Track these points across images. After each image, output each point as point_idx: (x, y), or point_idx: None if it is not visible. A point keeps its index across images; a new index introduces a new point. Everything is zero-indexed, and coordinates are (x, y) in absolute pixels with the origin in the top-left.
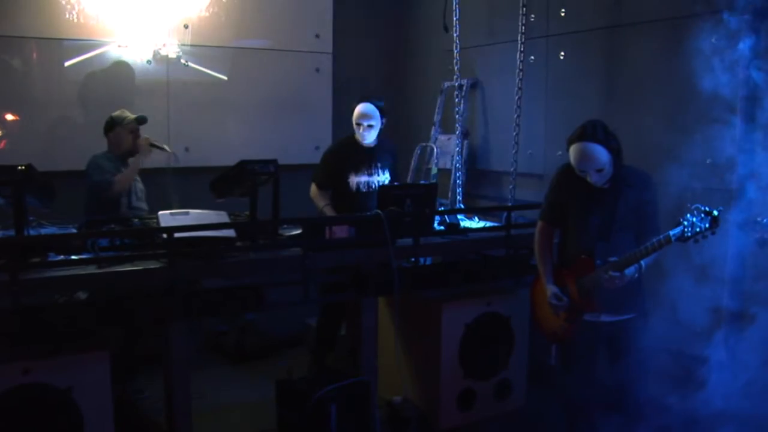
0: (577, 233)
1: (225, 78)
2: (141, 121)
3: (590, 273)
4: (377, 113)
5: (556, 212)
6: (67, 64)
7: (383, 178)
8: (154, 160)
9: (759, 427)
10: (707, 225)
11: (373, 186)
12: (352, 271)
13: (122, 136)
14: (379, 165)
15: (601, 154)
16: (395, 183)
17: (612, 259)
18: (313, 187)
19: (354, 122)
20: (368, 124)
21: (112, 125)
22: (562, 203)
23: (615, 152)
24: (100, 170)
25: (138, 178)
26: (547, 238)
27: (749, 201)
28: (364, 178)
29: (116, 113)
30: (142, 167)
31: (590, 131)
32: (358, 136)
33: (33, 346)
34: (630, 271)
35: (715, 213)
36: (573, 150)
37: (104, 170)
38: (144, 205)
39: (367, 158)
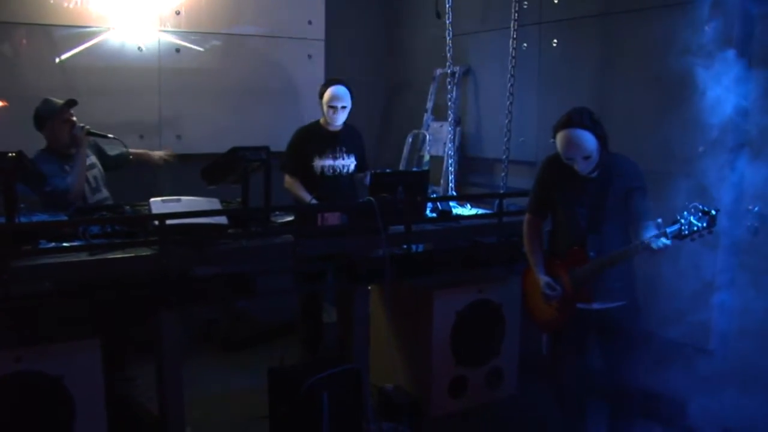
0: (567, 224)
1: (217, 65)
2: (70, 104)
3: (583, 264)
4: (348, 95)
5: (543, 204)
6: (58, 60)
7: (348, 162)
8: (135, 147)
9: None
10: (705, 224)
11: (338, 170)
12: (344, 259)
13: (57, 128)
14: (343, 149)
15: (588, 140)
16: (385, 170)
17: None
18: (287, 178)
19: (326, 105)
20: (342, 105)
21: (43, 119)
22: (549, 195)
23: (602, 139)
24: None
25: (95, 162)
26: (536, 229)
27: (741, 190)
28: (328, 162)
29: (41, 105)
30: None
31: (577, 118)
32: (328, 119)
33: (24, 334)
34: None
35: (713, 212)
36: (560, 137)
37: (49, 176)
38: (104, 193)
39: (331, 142)
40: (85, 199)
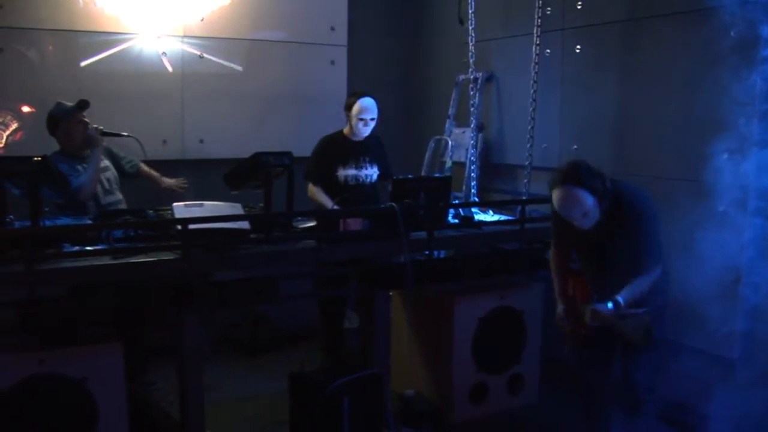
0: (582, 262)
1: (240, 70)
2: (83, 105)
3: (588, 301)
4: (377, 108)
5: (561, 238)
6: (83, 64)
7: (371, 172)
8: (158, 152)
9: None
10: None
11: (361, 179)
12: (366, 264)
13: (71, 129)
14: (367, 159)
15: (584, 198)
16: (407, 176)
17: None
18: (311, 187)
19: (354, 117)
20: (371, 117)
21: (56, 121)
22: (563, 230)
23: (600, 194)
24: None
25: (109, 165)
26: (561, 258)
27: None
28: (352, 172)
29: (54, 108)
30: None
31: (572, 175)
32: (356, 131)
33: (48, 337)
34: (606, 308)
35: None
36: (555, 195)
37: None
38: (117, 196)
39: (355, 152)
40: (97, 200)
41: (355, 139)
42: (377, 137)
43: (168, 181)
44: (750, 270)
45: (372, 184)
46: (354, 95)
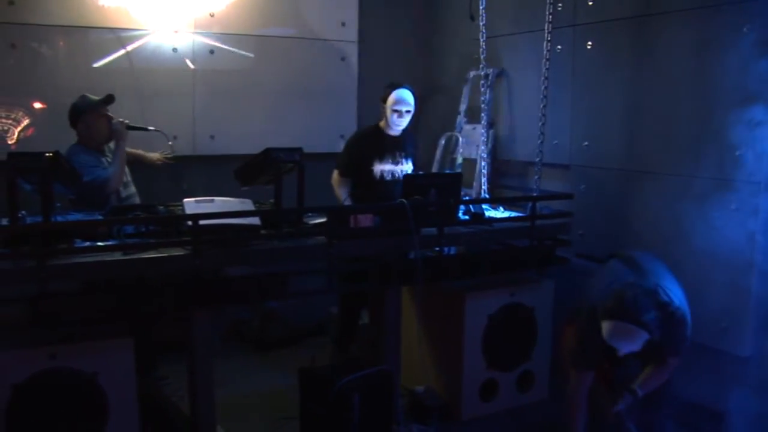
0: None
1: (250, 66)
2: (108, 100)
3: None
4: (413, 99)
5: (592, 363)
6: (96, 65)
7: (407, 167)
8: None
9: None
10: None
11: (397, 175)
12: (376, 261)
13: (93, 122)
14: (403, 154)
15: (639, 338)
16: (418, 172)
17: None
18: (336, 174)
19: (389, 108)
20: (407, 109)
21: (78, 114)
22: (596, 357)
23: (653, 329)
24: (83, 168)
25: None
26: (585, 387)
27: None
28: (388, 167)
29: (78, 100)
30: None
31: (633, 310)
32: (390, 123)
33: (59, 332)
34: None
35: None
36: (608, 326)
37: (88, 166)
38: (131, 190)
39: (391, 147)
40: (119, 193)
41: (391, 132)
42: (412, 133)
43: (151, 156)
44: (763, 266)
45: None
46: (390, 86)
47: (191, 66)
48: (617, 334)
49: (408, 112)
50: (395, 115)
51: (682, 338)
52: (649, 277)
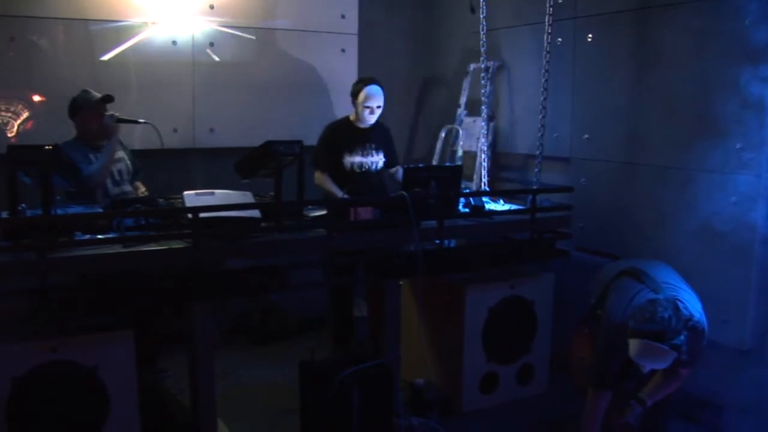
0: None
1: (250, 59)
2: (107, 99)
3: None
4: (383, 95)
5: (612, 378)
6: (102, 58)
7: (377, 159)
8: (169, 140)
9: None
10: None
11: (366, 166)
12: (376, 253)
13: (90, 120)
14: (373, 146)
15: (668, 359)
16: (418, 165)
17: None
18: (318, 174)
19: (360, 105)
20: (377, 105)
21: (77, 108)
22: (614, 370)
23: (683, 354)
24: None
25: (125, 157)
26: (604, 403)
27: None
28: (358, 159)
29: (79, 95)
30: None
31: (672, 335)
32: (361, 118)
33: (60, 325)
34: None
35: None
36: (638, 346)
37: (75, 161)
38: (125, 188)
39: (361, 139)
40: (106, 190)
41: (361, 125)
42: (383, 125)
43: (111, 124)
44: (763, 259)
45: (378, 172)
46: (360, 82)
47: (191, 59)
48: (647, 353)
49: (379, 107)
50: (366, 111)
51: (699, 350)
52: (666, 291)
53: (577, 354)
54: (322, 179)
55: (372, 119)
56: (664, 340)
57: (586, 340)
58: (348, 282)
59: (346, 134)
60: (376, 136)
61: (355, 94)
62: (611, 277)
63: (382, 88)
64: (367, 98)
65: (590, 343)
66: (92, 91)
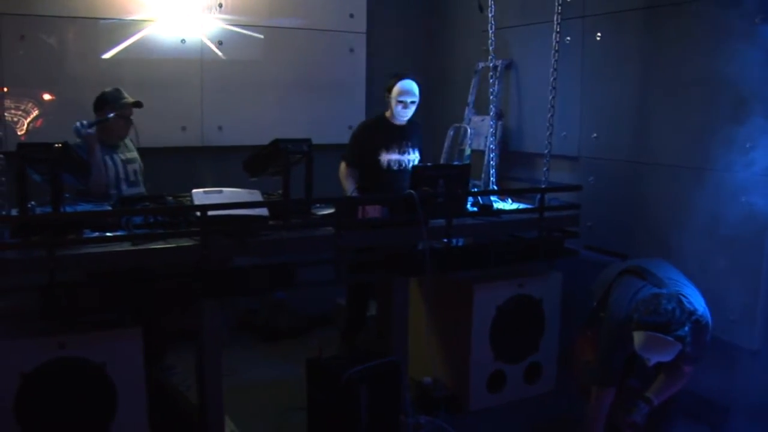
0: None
1: (259, 57)
2: (137, 105)
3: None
4: (417, 90)
5: (618, 375)
6: (105, 56)
7: (413, 157)
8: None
9: None
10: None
11: (404, 164)
12: (384, 251)
13: (115, 120)
14: (409, 144)
15: (673, 349)
16: (426, 164)
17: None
18: (343, 166)
19: (394, 99)
20: (411, 100)
21: (105, 103)
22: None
23: (687, 345)
24: None
25: (137, 157)
26: (608, 401)
27: None
28: (395, 156)
29: (110, 92)
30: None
31: (668, 321)
32: (395, 113)
33: (68, 322)
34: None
35: None
36: (642, 338)
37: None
38: (140, 188)
39: (398, 136)
40: (120, 191)
41: (397, 122)
42: (417, 123)
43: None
44: None
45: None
46: (395, 77)
47: (200, 57)
48: (652, 345)
49: (413, 102)
50: (400, 106)
51: (703, 346)
52: (669, 286)
53: (581, 357)
54: (345, 173)
55: (406, 115)
56: (668, 332)
57: (590, 343)
58: (356, 280)
59: (383, 131)
60: (413, 134)
61: (389, 89)
62: (613, 276)
63: (418, 83)
64: (400, 93)
65: (594, 345)
66: (124, 91)
